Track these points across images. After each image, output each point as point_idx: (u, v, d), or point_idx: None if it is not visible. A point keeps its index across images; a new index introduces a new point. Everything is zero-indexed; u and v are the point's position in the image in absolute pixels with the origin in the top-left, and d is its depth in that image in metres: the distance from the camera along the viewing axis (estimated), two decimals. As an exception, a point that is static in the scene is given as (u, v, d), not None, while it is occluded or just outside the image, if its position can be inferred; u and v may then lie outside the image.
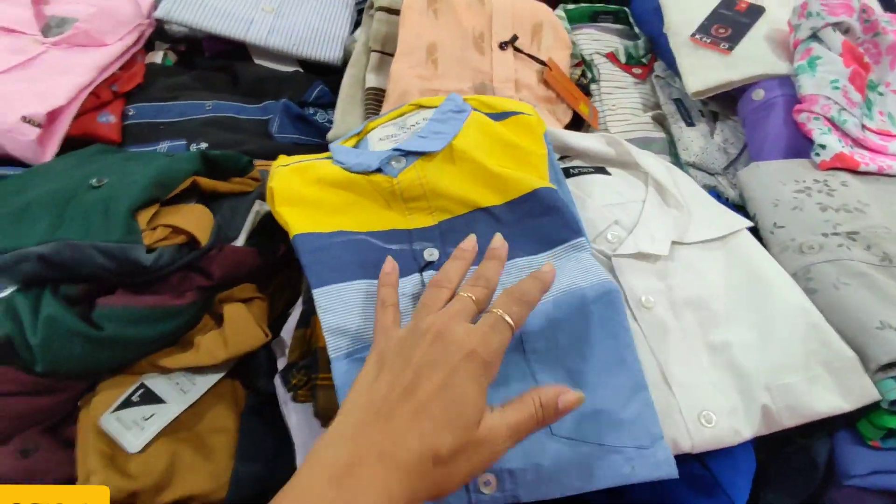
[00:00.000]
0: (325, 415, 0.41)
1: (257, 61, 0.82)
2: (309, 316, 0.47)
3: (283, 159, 0.55)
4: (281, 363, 0.48)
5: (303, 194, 0.48)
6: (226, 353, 0.46)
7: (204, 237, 0.49)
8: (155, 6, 0.80)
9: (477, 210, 0.48)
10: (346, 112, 0.69)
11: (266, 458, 0.47)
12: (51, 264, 0.43)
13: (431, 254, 0.46)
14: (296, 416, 0.45)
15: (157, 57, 0.81)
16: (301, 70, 0.80)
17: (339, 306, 0.42)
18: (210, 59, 0.84)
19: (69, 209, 0.43)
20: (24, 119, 0.62)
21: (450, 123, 0.53)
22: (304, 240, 0.45)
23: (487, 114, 0.54)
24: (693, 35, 0.70)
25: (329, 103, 0.77)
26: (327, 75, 0.81)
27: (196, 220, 0.49)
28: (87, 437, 0.45)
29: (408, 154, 0.50)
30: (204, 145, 0.69)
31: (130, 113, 0.72)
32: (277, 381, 0.49)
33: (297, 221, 0.46)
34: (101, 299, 0.45)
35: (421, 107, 0.59)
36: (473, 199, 0.48)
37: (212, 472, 0.45)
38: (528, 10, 0.74)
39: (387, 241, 0.47)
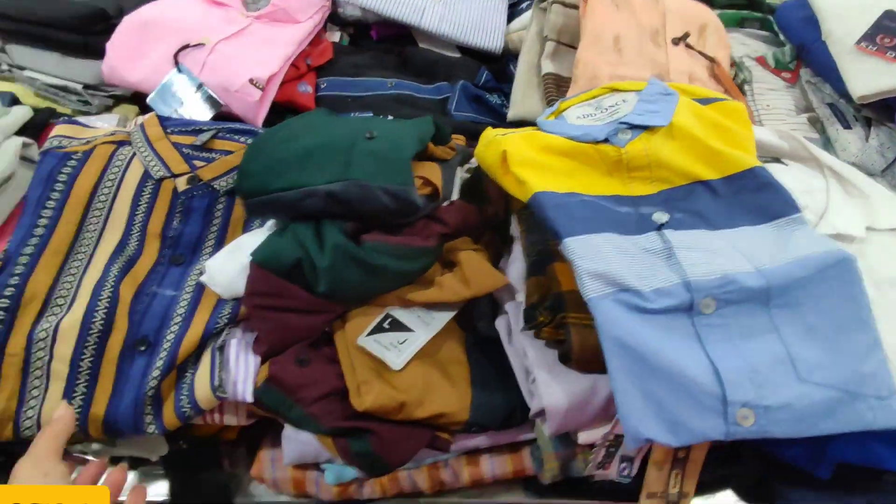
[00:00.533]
0: (578, 349, 0.46)
1: (422, 45, 0.89)
2: (543, 264, 0.52)
3: (491, 131, 0.60)
4: (511, 306, 0.53)
5: (533, 158, 0.54)
6: (469, 293, 0.52)
7: (441, 191, 0.54)
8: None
9: (696, 182, 0.53)
10: (525, 95, 0.74)
11: (495, 387, 0.52)
12: (336, 200, 0.49)
13: (661, 217, 0.51)
14: (533, 351, 0.50)
15: (335, 37, 0.88)
16: (467, 56, 0.86)
17: (591, 253, 0.47)
18: (377, 42, 0.91)
19: (354, 156, 0.49)
20: (251, 81, 0.69)
21: (660, 104, 0.57)
22: (545, 196, 0.51)
23: (692, 99, 0.59)
24: (858, 43, 0.74)
25: (494, 87, 0.83)
26: (485, 62, 0.87)
27: (436, 175, 0.55)
28: (348, 353, 0.50)
29: (633, 127, 0.55)
30: (390, 117, 0.76)
31: (322, 85, 0.79)
32: (501, 322, 0.55)
33: (534, 180, 0.52)
34: (367, 236, 0.51)
35: (615, 90, 0.64)
36: (693, 172, 0.53)
37: (456, 395, 0.50)
38: (694, 10, 0.79)
39: (614, 205, 0.52)
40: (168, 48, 0.70)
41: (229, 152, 0.61)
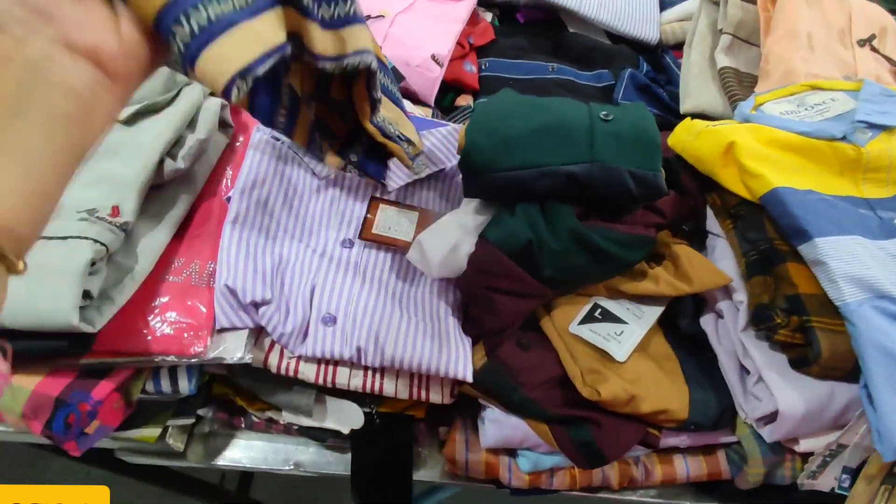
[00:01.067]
0: (828, 355, 0.44)
1: (572, 30, 0.87)
2: (769, 264, 0.50)
3: (697, 122, 0.58)
4: (726, 305, 0.52)
5: (763, 152, 0.52)
6: (690, 289, 0.50)
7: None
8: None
9: (937, 187, 0.50)
10: (700, 87, 0.72)
11: (707, 385, 0.51)
12: (575, 182, 0.47)
13: (905, 222, 0.48)
14: (758, 353, 0.48)
15: (487, 17, 0.87)
16: (624, 45, 0.84)
17: (846, 255, 0.45)
18: (523, 25, 0.89)
19: (596, 137, 0.48)
20: (433, 57, 0.68)
21: (888, 105, 0.55)
22: (786, 193, 0.49)
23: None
24: None
25: (653, 78, 0.81)
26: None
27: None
28: (562, 341, 0.49)
29: (872, 126, 0.52)
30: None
31: (484, 66, 0.78)
32: (707, 319, 0.53)
33: (772, 175, 0.50)
34: (589, 222, 0.50)
35: (817, 88, 0.62)
36: (935, 177, 0.50)
37: (676, 392, 0.48)
38: (876, 13, 0.76)
39: (853, 206, 0.50)
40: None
41: None
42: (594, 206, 0.50)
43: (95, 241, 0.45)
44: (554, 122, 0.50)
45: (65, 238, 0.45)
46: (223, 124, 0.62)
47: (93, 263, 0.44)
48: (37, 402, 0.45)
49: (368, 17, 0.69)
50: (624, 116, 0.50)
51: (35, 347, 0.44)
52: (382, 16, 0.70)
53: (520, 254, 0.48)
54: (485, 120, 0.53)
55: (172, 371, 0.50)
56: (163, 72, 0.56)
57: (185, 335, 0.47)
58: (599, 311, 0.51)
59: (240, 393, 0.56)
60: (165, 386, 0.51)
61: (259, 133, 0.60)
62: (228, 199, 0.56)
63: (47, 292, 0.42)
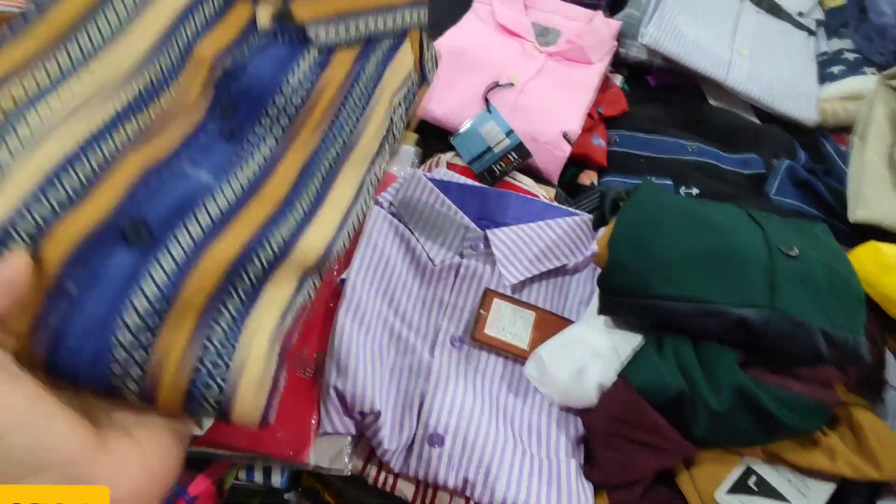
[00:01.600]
0: None
1: (713, 103, 0.78)
2: None
3: (878, 249, 0.49)
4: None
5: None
6: (877, 474, 0.41)
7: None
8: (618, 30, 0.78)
9: None
10: (879, 193, 0.61)
11: None
12: (748, 330, 0.40)
13: None
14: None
15: (616, 80, 0.80)
16: (775, 126, 0.74)
17: None
18: (655, 89, 0.81)
19: (778, 277, 0.40)
20: (564, 135, 0.62)
21: None
22: None
23: None
24: None
25: (810, 169, 0.71)
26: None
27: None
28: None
29: None
30: (695, 191, 0.66)
31: (615, 139, 0.71)
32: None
33: None
34: (756, 372, 0.42)
35: None
36: None
37: None
38: None
39: None
40: (476, 82, 0.65)
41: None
42: (761, 351, 0.42)
43: None
44: (724, 250, 0.42)
45: None
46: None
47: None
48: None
49: (497, 84, 0.64)
50: (813, 253, 0.42)
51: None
52: (512, 84, 0.65)
53: (667, 404, 0.41)
54: (633, 232, 0.46)
55: (267, 465, 0.48)
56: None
57: (291, 438, 0.44)
58: (754, 478, 0.43)
59: (328, 488, 0.53)
60: (258, 477, 0.48)
61: (376, 207, 0.56)
62: (342, 281, 0.52)
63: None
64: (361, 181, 0.34)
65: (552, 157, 0.62)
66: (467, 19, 0.74)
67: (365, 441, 0.47)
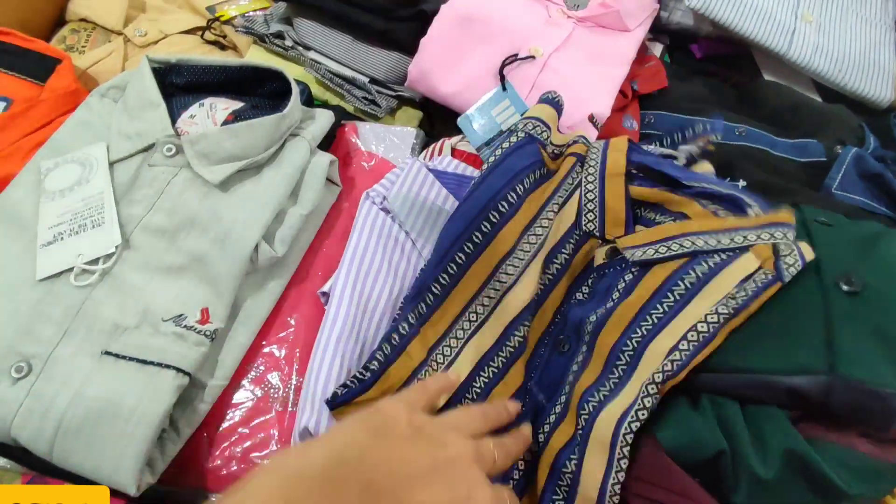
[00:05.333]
0: None
1: (768, 78, 0.68)
2: None
3: None
4: None
5: None
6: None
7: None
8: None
9: None
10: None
11: None
12: (805, 400, 0.32)
13: None
14: None
15: (656, 50, 0.69)
16: (842, 105, 0.63)
17: None
18: (701, 61, 0.71)
19: (837, 328, 0.32)
20: (591, 119, 0.54)
21: None
22: None
23: None
24: None
25: (880, 157, 0.60)
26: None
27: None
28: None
29: None
30: (742, 183, 0.57)
31: (648, 120, 0.61)
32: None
33: None
34: (819, 430, 0.34)
35: None
36: None
37: None
38: None
39: None
40: (491, 54, 0.55)
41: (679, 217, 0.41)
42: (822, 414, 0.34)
43: (178, 370, 0.37)
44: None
45: (144, 362, 0.37)
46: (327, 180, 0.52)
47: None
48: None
49: (516, 56, 0.55)
50: (883, 280, 0.33)
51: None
52: (533, 56, 0.56)
53: (703, 465, 0.34)
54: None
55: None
56: (266, 122, 0.47)
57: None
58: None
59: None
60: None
61: (368, 203, 0.49)
62: (324, 294, 0.46)
63: (114, 445, 0.34)
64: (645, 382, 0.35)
65: (576, 144, 0.53)
66: (483, -23, 0.64)
67: None
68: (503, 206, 0.41)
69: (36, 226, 0.43)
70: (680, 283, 0.36)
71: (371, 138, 0.57)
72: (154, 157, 0.47)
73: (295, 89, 0.50)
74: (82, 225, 0.43)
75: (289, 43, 0.64)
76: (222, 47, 0.67)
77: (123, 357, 0.37)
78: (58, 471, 0.36)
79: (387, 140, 0.57)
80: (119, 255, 0.41)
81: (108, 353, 0.37)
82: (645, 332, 0.35)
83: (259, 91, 0.55)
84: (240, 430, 0.40)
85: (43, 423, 0.35)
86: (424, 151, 0.56)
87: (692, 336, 0.34)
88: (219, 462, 0.39)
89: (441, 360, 0.41)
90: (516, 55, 0.55)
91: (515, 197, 0.42)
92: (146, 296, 0.40)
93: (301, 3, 0.63)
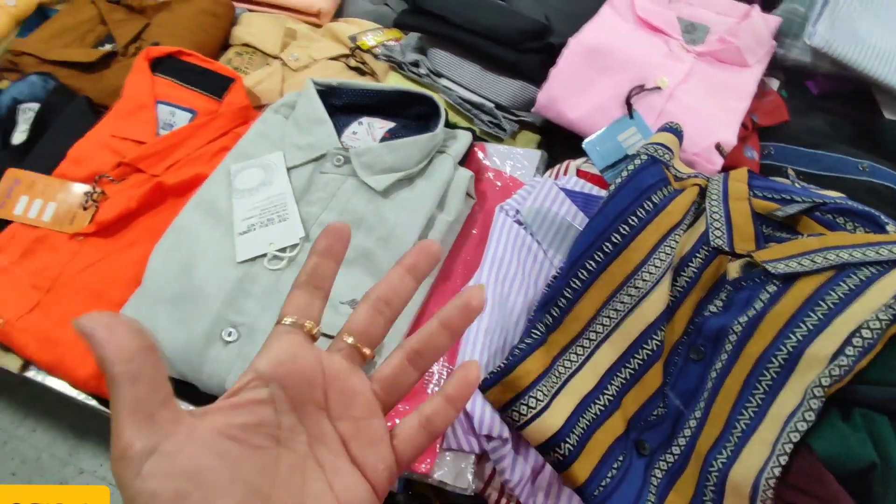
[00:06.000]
0: None
1: (889, 117, 0.68)
2: None
3: None
4: None
5: None
6: None
7: None
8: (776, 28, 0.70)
9: None
10: None
11: None
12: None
13: None
14: None
15: (773, 85, 0.72)
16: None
17: None
18: (818, 98, 0.72)
19: None
20: (717, 147, 0.57)
21: None
22: None
23: None
24: None
25: None
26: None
27: None
28: None
29: None
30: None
31: (769, 152, 0.63)
32: None
33: None
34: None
35: None
36: None
37: None
38: None
39: None
40: (616, 84, 0.60)
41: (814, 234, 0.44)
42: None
43: None
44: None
45: (329, 337, 0.43)
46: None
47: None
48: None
49: (642, 87, 0.59)
50: None
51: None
52: (660, 87, 0.59)
53: (851, 477, 0.36)
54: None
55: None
56: (420, 140, 0.53)
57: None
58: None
59: (439, 496, 0.53)
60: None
61: (502, 215, 0.54)
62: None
63: None
64: (804, 392, 0.36)
65: (702, 169, 0.56)
66: (604, 13, 0.69)
67: (486, 460, 0.46)
68: (633, 220, 0.45)
69: (230, 217, 0.51)
70: (832, 292, 0.38)
71: (499, 158, 0.63)
72: (325, 166, 0.54)
73: (443, 112, 0.56)
74: (270, 219, 0.50)
75: (423, 70, 0.71)
76: (362, 73, 0.75)
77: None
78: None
79: (513, 160, 0.62)
80: (301, 246, 0.48)
81: (295, 327, 0.44)
82: (800, 338, 0.37)
83: (405, 112, 0.61)
84: (399, 408, 0.45)
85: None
86: (549, 171, 0.60)
87: (857, 342, 0.35)
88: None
89: (568, 366, 0.45)
90: (642, 86, 0.59)
91: (644, 212, 0.45)
92: (323, 282, 0.46)
93: (436, 35, 0.70)
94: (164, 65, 0.68)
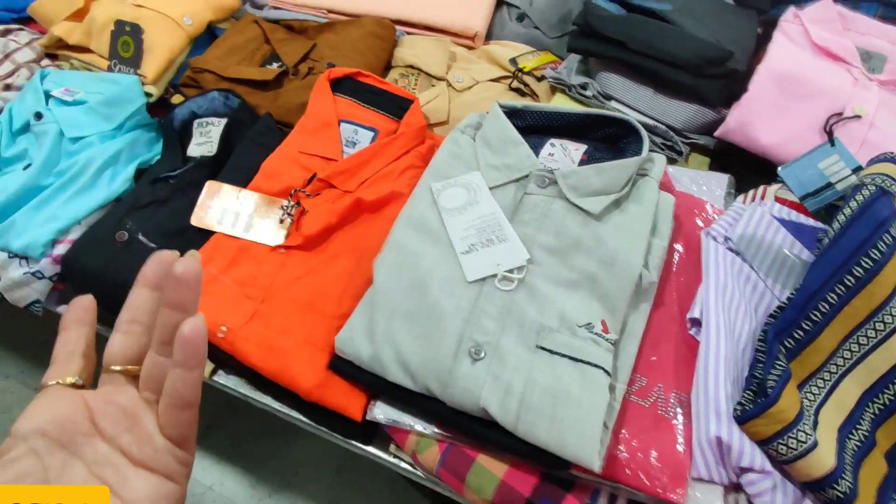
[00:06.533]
0: None
1: None
2: None
3: None
4: None
5: None
6: None
7: None
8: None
9: None
10: None
11: None
12: None
13: None
14: None
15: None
16: None
17: None
18: None
19: None
20: (930, 177, 0.56)
21: None
22: None
23: None
24: None
25: None
26: None
27: None
28: None
29: None
30: None
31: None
32: None
33: None
34: None
35: None
36: None
37: None
38: None
39: None
40: (810, 111, 0.60)
41: None
42: None
43: (606, 372, 0.43)
44: None
45: (575, 360, 0.44)
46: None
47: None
48: (506, 496, 0.45)
49: (840, 115, 0.59)
50: None
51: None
52: (858, 116, 0.59)
53: None
54: None
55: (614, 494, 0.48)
56: (628, 163, 0.53)
57: (662, 477, 0.43)
58: None
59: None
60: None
61: (710, 241, 0.54)
62: (692, 320, 0.51)
63: (574, 426, 0.41)
64: None
65: None
66: (778, 41, 0.69)
67: (733, 491, 0.45)
68: (874, 254, 0.44)
69: (444, 235, 0.53)
70: None
71: (686, 181, 0.63)
72: (529, 187, 0.55)
73: (645, 136, 0.57)
74: (489, 239, 0.52)
75: (590, 93, 0.72)
76: (522, 94, 0.77)
77: (556, 353, 0.44)
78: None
79: (700, 183, 0.63)
80: (527, 268, 0.49)
81: (541, 347, 0.45)
82: None
83: (589, 135, 0.62)
84: (643, 431, 0.45)
85: (507, 400, 0.42)
86: (743, 196, 0.60)
87: None
88: (631, 456, 0.44)
89: (811, 399, 0.44)
90: (840, 113, 0.59)
91: (885, 245, 0.45)
92: (557, 304, 0.47)
93: (606, 58, 0.71)
94: (343, 85, 0.71)
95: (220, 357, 0.58)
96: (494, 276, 0.49)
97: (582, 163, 0.58)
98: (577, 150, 0.59)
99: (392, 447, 0.55)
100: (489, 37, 0.86)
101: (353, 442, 0.55)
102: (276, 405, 0.58)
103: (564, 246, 0.51)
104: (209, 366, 0.62)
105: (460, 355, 0.45)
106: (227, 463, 1.14)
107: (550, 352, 0.44)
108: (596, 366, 0.43)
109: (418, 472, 0.53)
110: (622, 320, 0.47)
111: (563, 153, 0.59)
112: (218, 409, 1.17)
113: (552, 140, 0.61)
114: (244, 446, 1.15)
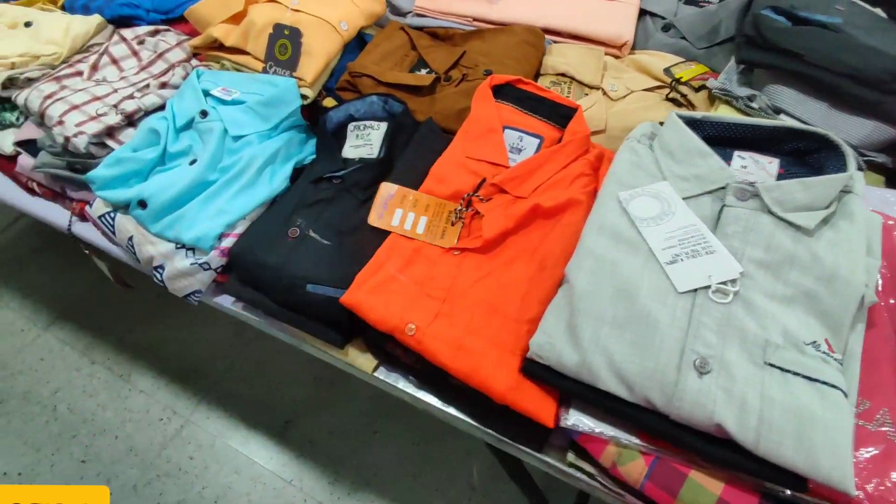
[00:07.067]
0: None
1: None
2: None
3: None
4: None
5: None
6: None
7: None
8: None
9: None
10: None
11: None
12: None
13: None
14: None
15: None
16: None
17: None
18: None
19: None
20: None
21: None
22: None
23: None
24: None
25: None
26: None
27: None
28: None
29: None
30: None
31: None
32: None
33: None
34: None
35: None
36: None
37: None
38: None
39: None
40: None
41: None
42: None
43: (842, 391, 0.42)
44: None
45: (810, 379, 0.43)
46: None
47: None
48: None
49: None
50: None
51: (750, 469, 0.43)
52: None
53: None
54: None
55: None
56: (836, 179, 0.52)
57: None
58: None
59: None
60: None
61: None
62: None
63: (825, 449, 0.40)
64: None
65: None
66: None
67: None
68: None
69: (641, 243, 0.52)
70: None
71: (875, 199, 0.60)
72: (728, 199, 0.54)
73: (848, 152, 0.55)
74: (695, 250, 0.51)
75: (756, 105, 0.70)
76: (678, 104, 0.76)
77: (788, 371, 0.43)
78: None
79: (891, 202, 0.60)
80: (741, 280, 0.48)
81: (770, 364, 0.43)
82: None
83: (773, 148, 0.61)
84: (880, 457, 0.43)
85: (744, 416, 0.41)
86: (945, 218, 0.57)
87: None
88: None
89: None
90: None
91: None
92: (777, 319, 0.46)
93: (779, 69, 0.69)
94: (503, 92, 0.72)
95: (392, 354, 0.59)
96: (706, 287, 0.48)
97: (780, 177, 0.57)
98: (771, 163, 0.58)
99: (570, 456, 0.54)
100: (633, 47, 0.85)
101: (525, 448, 0.55)
102: (439, 405, 0.58)
103: (777, 260, 0.49)
104: (371, 362, 0.63)
105: (684, 368, 0.44)
106: (307, 459, 1.15)
107: (782, 369, 0.43)
108: (833, 386, 0.42)
109: (598, 484, 0.52)
110: (845, 340, 0.45)
111: (757, 166, 0.58)
112: (297, 406, 1.19)
113: (738, 152, 0.60)
114: (321, 444, 1.16)
